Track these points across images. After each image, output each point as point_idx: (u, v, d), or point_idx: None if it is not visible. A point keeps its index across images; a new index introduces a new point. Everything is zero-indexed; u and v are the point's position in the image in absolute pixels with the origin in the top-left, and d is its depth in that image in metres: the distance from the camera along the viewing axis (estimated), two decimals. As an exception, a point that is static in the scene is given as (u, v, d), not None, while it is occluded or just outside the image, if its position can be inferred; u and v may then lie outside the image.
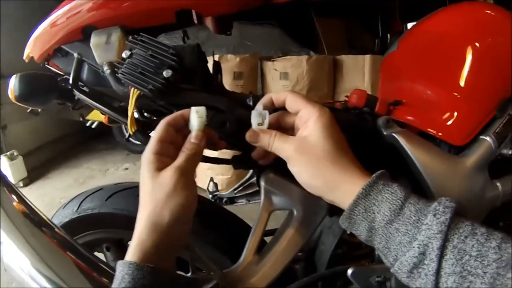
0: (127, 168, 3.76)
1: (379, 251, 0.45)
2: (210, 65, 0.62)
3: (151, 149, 0.47)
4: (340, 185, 0.46)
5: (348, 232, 0.47)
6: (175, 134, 0.49)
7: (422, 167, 0.58)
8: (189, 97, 0.54)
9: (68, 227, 0.87)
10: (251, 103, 0.51)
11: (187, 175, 0.47)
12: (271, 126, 0.50)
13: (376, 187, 0.44)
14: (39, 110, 0.80)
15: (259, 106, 0.51)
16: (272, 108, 0.52)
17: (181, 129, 0.50)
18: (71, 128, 4.56)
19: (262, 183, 0.58)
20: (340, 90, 3.05)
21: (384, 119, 0.60)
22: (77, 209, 0.86)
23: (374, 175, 0.45)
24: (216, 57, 2.60)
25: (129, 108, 0.51)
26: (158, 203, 0.45)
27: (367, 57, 2.90)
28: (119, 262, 0.46)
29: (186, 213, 0.47)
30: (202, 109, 0.48)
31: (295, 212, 0.58)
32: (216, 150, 0.54)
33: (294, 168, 0.48)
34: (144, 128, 0.56)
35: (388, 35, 5.18)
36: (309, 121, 0.48)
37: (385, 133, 0.60)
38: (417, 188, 0.58)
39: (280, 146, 0.48)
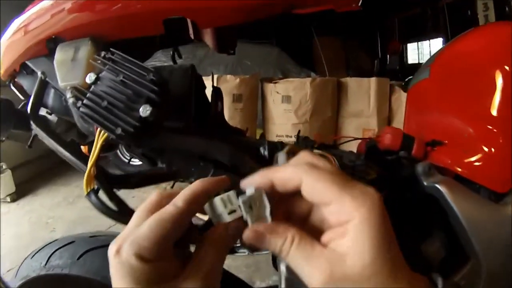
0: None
1: None
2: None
3: (141, 255, 0.29)
4: None
5: None
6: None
7: (465, 220, 0.50)
8: (177, 142, 0.39)
9: (34, 285, 0.74)
10: (265, 153, 0.36)
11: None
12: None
13: None
14: (3, 138, 0.67)
15: (249, 189, 0.32)
16: (275, 194, 0.33)
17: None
18: (62, 143, 4.41)
19: (283, 268, 0.40)
20: (344, 114, 2.97)
21: (426, 166, 0.50)
22: (45, 264, 0.73)
23: None
24: (215, 78, 2.45)
25: (90, 155, 0.36)
26: None
27: (373, 79, 2.83)
28: None
29: None
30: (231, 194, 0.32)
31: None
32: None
33: None
34: (111, 183, 0.40)
35: (388, 55, 5.17)
36: (349, 224, 0.30)
37: (425, 183, 0.51)
38: (453, 239, 0.50)
39: (302, 264, 0.30)
